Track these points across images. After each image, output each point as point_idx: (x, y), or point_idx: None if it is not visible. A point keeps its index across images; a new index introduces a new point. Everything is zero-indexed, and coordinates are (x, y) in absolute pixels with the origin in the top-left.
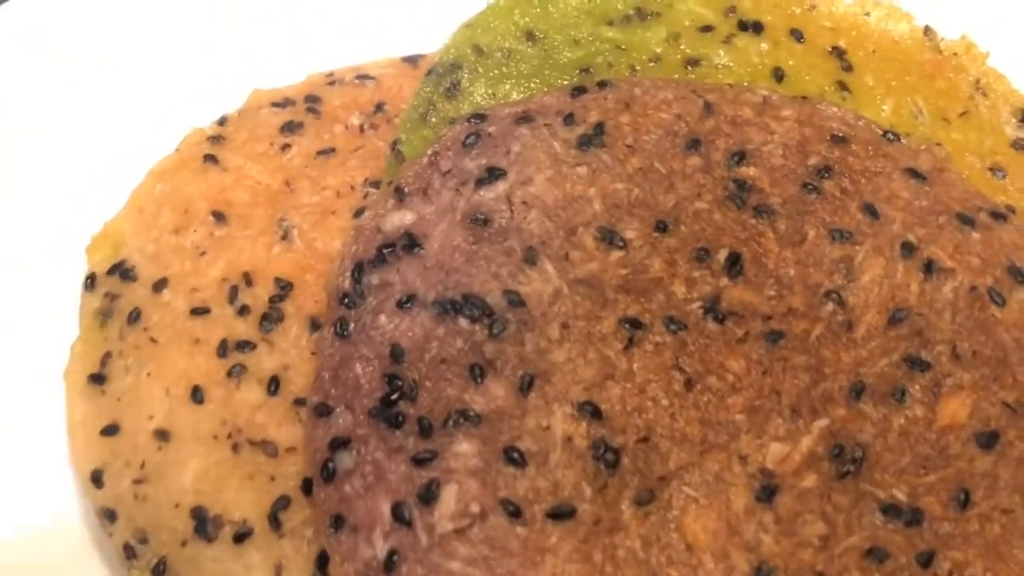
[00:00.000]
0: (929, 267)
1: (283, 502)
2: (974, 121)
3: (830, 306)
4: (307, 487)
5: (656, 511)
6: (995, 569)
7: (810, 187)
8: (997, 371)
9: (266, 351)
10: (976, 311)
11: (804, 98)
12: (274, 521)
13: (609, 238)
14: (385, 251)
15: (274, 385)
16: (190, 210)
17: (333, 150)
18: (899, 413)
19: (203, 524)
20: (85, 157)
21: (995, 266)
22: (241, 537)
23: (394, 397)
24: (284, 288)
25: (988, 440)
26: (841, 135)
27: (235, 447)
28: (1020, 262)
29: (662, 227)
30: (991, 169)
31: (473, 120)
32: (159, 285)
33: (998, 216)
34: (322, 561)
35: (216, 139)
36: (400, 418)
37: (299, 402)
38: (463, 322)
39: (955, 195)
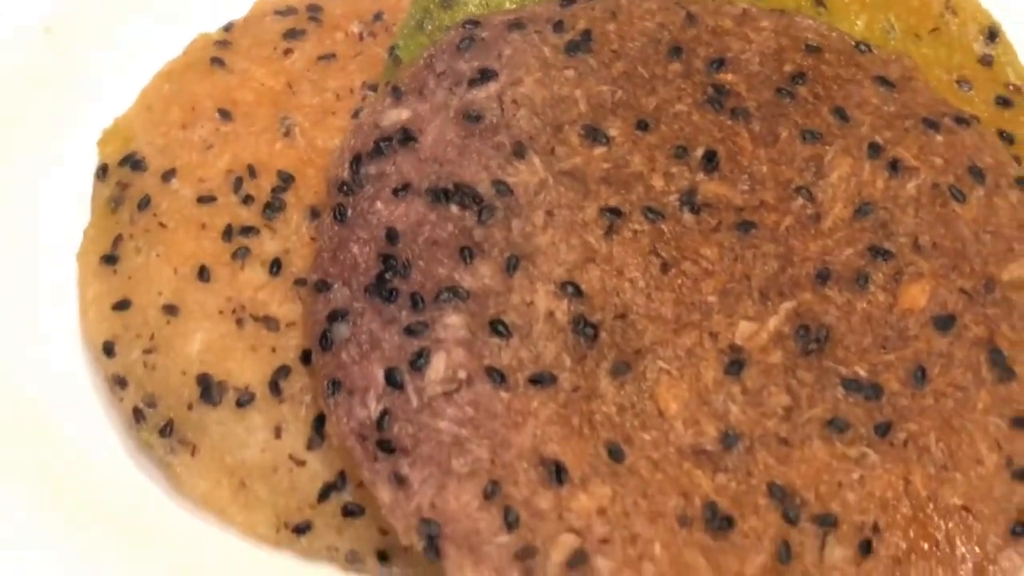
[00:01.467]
0: (894, 166)
1: (283, 371)
2: (943, 38)
3: (799, 200)
4: (306, 358)
5: (631, 381)
6: (947, 440)
7: (784, 92)
8: (956, 261)
9: (268, 236)
10: (938, 206)
11: (781, 11)
12: (275, 388)
13: (593, 135)
14: (382, 144)
15: (276, 267)
16: (197, 108)
17: (333, 56)
18: (862, 297)
19: (208, 390)
20: (98, 61)
21: (957, 166)
22: (244, 402)
23: (388, 275)
24: (286, 180)
25: (945, 323)
26: (815, 45)
27: (239, 322)
28: (981, 162)
29: (643, 126)
30: (958, 82)
31: (467, 26)
32: (168, 175)
33: (962, 121)
34: (318, 423)
35: (222, 44)
36: (394, 293)
37: (299, 282)
38: (454, 208)
39: (921, 102)
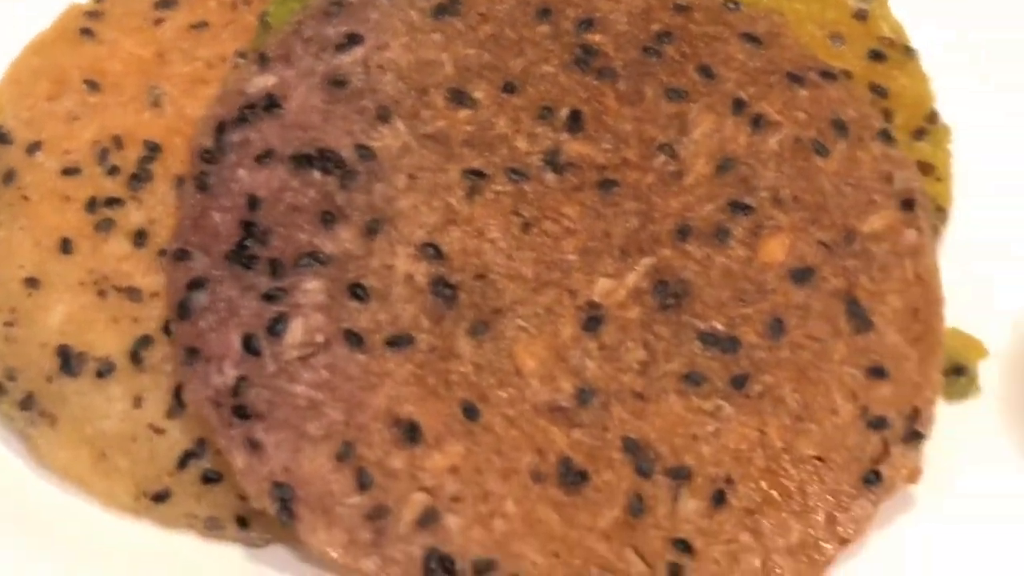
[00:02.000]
0: (757, 121)
1: (145, 341)
2: None
3: (662, 157)
4: (168, 328)
5: (489, 340)
6: (803, 391)
7: (651, 51)
8: (816, 214)
9: (134, 207)
10: (799, 160)
11: None
12: (135, 358)
13: (458, 98)
14: (247, 111)
15: (141, 238)
16: (65, 79)
17: (206, 24)
18: (721, 252)
19: (68, 361)
20: None
21: (820, 120)
22: (104, 372)
23: (248, 242)
24: (153, 150)
25: (803, 275)
26: (683, 3)
27: (101, 293)
28: (844, 116)
29: (509, 88)
30: (831, 37)
31: None
32: (33, 148)
33: (827, 75)
34: (179, 392)
35: (92, 14)
36: (253, 260)
37: (163, 253)
38: (317, 174)
39: (788, 57)
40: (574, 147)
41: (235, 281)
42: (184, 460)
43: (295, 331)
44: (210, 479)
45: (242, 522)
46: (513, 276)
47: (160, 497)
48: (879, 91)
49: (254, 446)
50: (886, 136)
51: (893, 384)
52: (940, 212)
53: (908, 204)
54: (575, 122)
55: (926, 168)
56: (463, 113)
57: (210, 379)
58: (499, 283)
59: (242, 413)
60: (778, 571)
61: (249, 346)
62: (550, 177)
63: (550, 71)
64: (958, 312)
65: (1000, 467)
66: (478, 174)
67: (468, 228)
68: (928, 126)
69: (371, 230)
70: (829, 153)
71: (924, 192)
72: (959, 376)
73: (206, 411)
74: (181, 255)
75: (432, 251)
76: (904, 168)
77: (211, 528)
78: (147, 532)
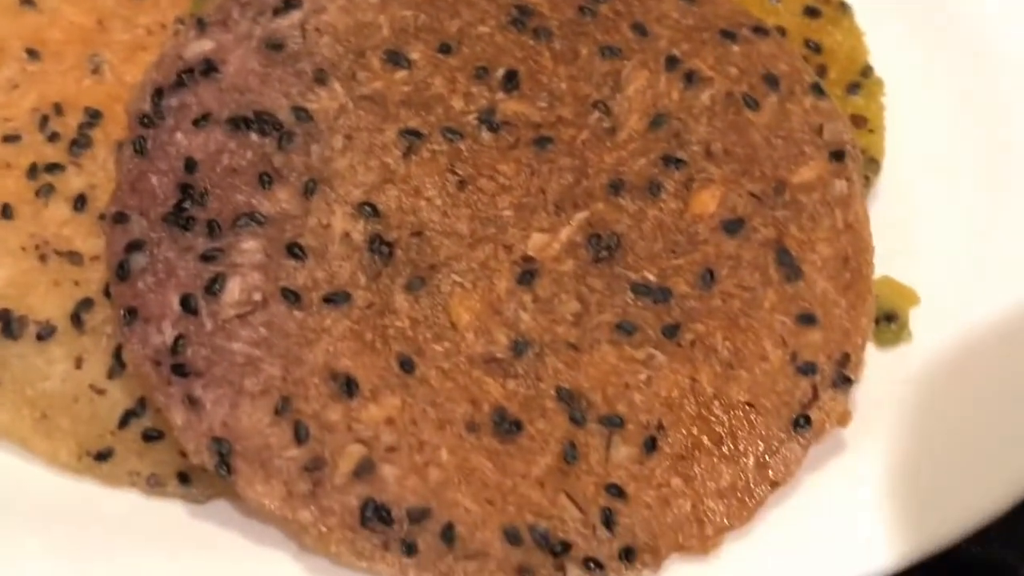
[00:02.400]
0: (690, 77)
1: (86, 304)
2: None
3: (596, 114)
4: (108, 290)
5: (425, 295)
6: (733, 338)
7: (586, 10)
8: (746, 166)
9: (75, 172)
10: (731, 114)
11: None
12: (76, 320)
13: (395, 59)
14: (184, 76)
15: (81, 202)
16: (5, 48)
17: None
18: (654, 205)
19: (8, 325)
20: None
21: (752, 74)
22: (44, 335)
23: (186, 204)
24: (94, 117)
25: (734, 226)
26: None
27: (42, 257)
28: (776, 70)
29: (446, 49)
30: None
31: None
32: None
33: (759, 31)
34: (119, 353)
35: None
36: (191, 222)
37: (104, 217)
38: (254, 136)
39: (721, 14)
40: (510, 106)
41: (173, 242)
42: (125, 419)
43: (232, 290)
44: (151, 437)
45: (183, 478)
46: (449, 233)
47: (102, 456)
48: (813, 47)
49: (192, 403)
50: (817, 89)
51: (823, 330)
52: (873, 163)
53: (838, 155)
54: (511, 81)
55: (859, 121)
56: (399, 74)
57: (149, 339)
58: (435, 240)
59: (181, 371)
60: (709, 514)
61: (187, 306)
62: (486, 136)
63: (486, 31)
64: (890, 261)
65: (928, 411)
66: (414, 134)
67: (405, 187)
68: (862, 80)
69: (308, 190)
70: (760, 107)
71: (855, 143)
72: (890, 323)
73: (145, 370)
74: (119, 218)
75: (369, 210)
76: (834, 120)
77: (153, 485)
78: (90, 490)
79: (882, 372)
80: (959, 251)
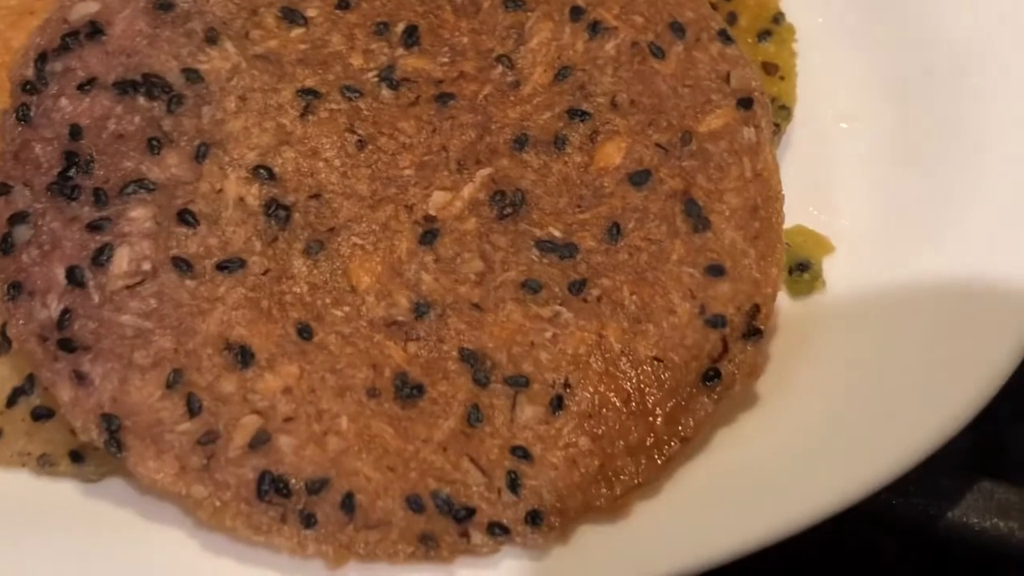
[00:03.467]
0: (595, 27)
1: None
2: None
3: (499, 68)
4: None
5: (324, 259)
6: (640, 292)
7: None
8: (652, 117)
9: None
10: (636, 64)
11: None
12: None
13: (290, 16)
14: (68, 39)
15: None
16: None
17: None
18: (558, 160)
19: None
20: None
21: (657, 23)
22: None
23: (71, 172)
24: None
25: (640, 178)
26: None
27: None
28: (682, 18)
29: (344, 5)
30: None
31: None
32: None
33: None
34: (4, 329)
35: None
36: (76, 190)
37: None
38: (141, 100)
39: None
40: (410, 62)
41: (58, 213)
42: (13, 397)
43: (120, 260)
44: (40, 415)
45: (76, 457)
46: (348, 194)
47: None
48: None
49: (80, 378)
50: (724, 36)
51: (732, 282)
52: (784, 111)
53: (746, 103)
54: (411, 37)
55: (770, 68)
56: (296, 32)
57: (34, 314)
58: (334, 202)
59: (67, 346)
60: (618, 473)
61: (73, 278)
62: (386, 93)
63: None
64: (803, 210)
65: (842, 361)
66: (312, 93)
67: (302, 148)
68: (773, 27)
69: (200, 154)
70: (666, 55)
71: (763, 90)
72: (803, 272)
73: (31, 346)
74: (2, 189)
75: (264, 173)
76: (742, 67)
77: (44, 465)
78: None
79: (795, 322)
80: (873, 198)
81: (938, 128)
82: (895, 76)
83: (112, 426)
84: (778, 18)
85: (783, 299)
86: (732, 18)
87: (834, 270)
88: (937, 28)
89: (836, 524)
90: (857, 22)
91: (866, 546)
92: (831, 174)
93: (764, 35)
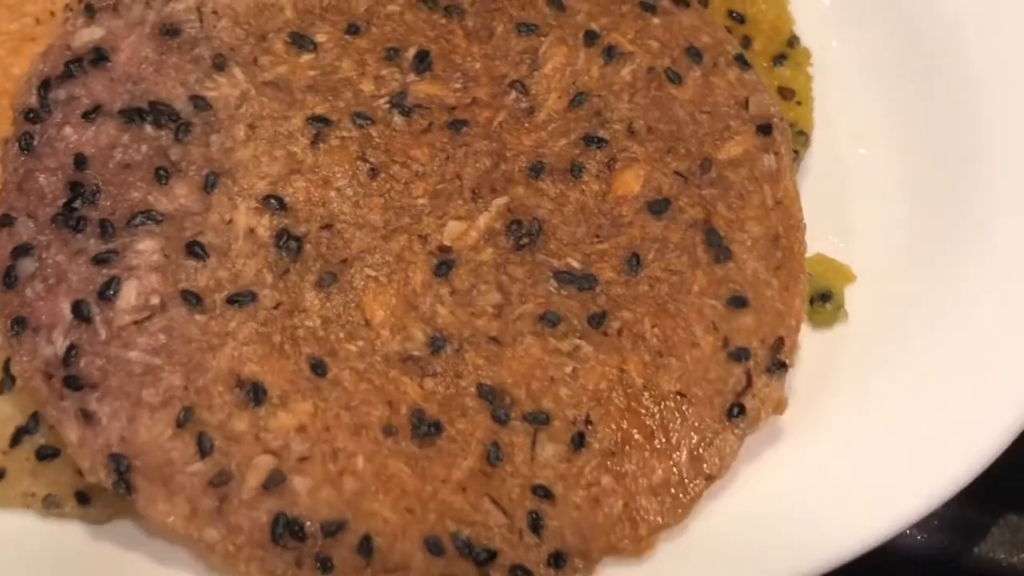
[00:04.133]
0: (610, 52)
1: None
2: None
3: (513, 94)
4: None
5: (337, 292)
6: (662, 324)
7: None
8: (671, 144)
9: None
10: (653, 90)
11: None
12: None
13: (299, 42)
14: (72, 66)
15: None
16: None
17: None
18: (575, 188)
19: None
20: None
21: (674, 48)
22: None
23: (76, 203)
24: None
25: (659, 207)
26: None
27: None
28: (698, 43)
29: (354, 30)
30: None
31: None
32: None
33: (680, 2)
34: (8, 365)
35: None
36: (82, 222)
37: None
38: (148, 128)
39: None
40: (422, 88)
41: (63, 245)
42: (17, 437)
43: (128, 294)
44: (46, 455)
45: (82, 498)
46: (361, 224)
47: None
48: (737, 17)
49: (87, 417)
50: (742, 61)
51: (755, 313)
52: (801, 136)
53: (765, 129)
54: (422, 62)
55: (786, 93)
56: (305, 58)
57: (39, 350)
58: (346, 232)
59: (74, 384)
60: (642, 513)
61: (79, 313)
62: (398, 120)
63: (395, 10)
64: (823, 238)
65: (868, 395)
66: (322, 120)
67: (313, 177)
68: (788, 50)
69: (209, 184)
70: (683, 81)
71: (782, 116)
72: (825, 303)
73: (36, 384)
74: (5, 221)
75: (275, 203)
76: (760, 92)
77: (50, 506)
78: None
79: (818, 355)
80: (894, 225)
81: (959, 151)
82: (914, 99)
83: (121, 467)
84: (792, 41)
85: (804, 330)
86: (746, 42)
87: (856, 300)
88: (956, 49)
89: (860, 561)
90: (873, 44)
91: None
92: (850, 201)
93: (779, 59)
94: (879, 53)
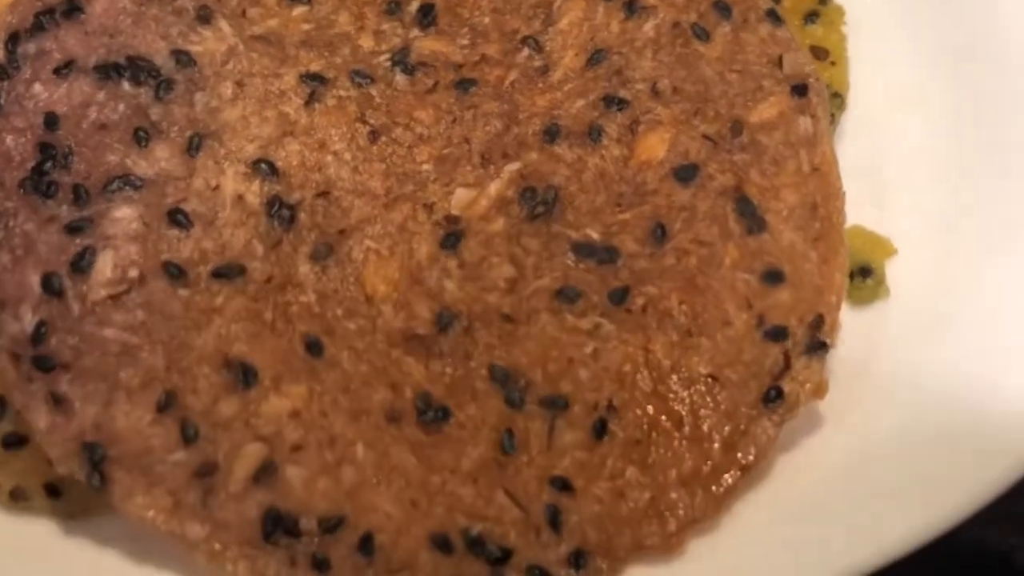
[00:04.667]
0: (631, 7)
1: None
2: None
3: (526, 52)
4: None
5: (335, 265)
6: (691, 301)
7: None
8: (698, 105)
9: None
10: (678, 47)
11: None
12: None
13: None
14: (43, 18)
15: None
16: None
17: None
18: (595, 153)
19: None
20: None
21: (700, 2)
22: None
23: (47, 166)
24: None
25: (687, 173)
26: None
27: None
28: None
29: None
30: None
31: None
32: None
33: None
34: None
35: None
36: (53, 187)
37: None
38: (126, 85)
39: None
40: (426, 44)
41: (32, 213)
42: None
43: (103, 266)
44: (12, 443)
45: (53, 491)
46: (360, 192)
47: None
48: None
49: (58, 401)
50: (774, 16)
51: (792, 289)
52: (837, 98)
53: (801, 89)
54: (426, 16)
55: (819, 52)
56: (298, 10)
57: (5, 327)
58: (344, 200)
59: (44, 364)
60: (672, 507)
61: (49, 286)
62: (400, 79)
63: None
64: (860, 208)
65: (913, 377)
66: (317, 78)
67: (307, 140)
68: (820, 7)
69: (193, 147)
70: (711, 37)
71: (818, 75)
72: (865, 278)
73: (2, 364)
74: None
75: (266, 167)
76: (795, 50)
77: (17, 499)
78: None
79: (857, 334)
80: (936, 194)
81: (1002, 112)
82: (953, 58)
83: (95, 456)
84: None
85: (843, 308)
86: None
87: (897, 275)
88: (999, 4)
89: (911, 560)
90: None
91: None
92: (888, 168)
93: (811, 17)
94: (917, 8)
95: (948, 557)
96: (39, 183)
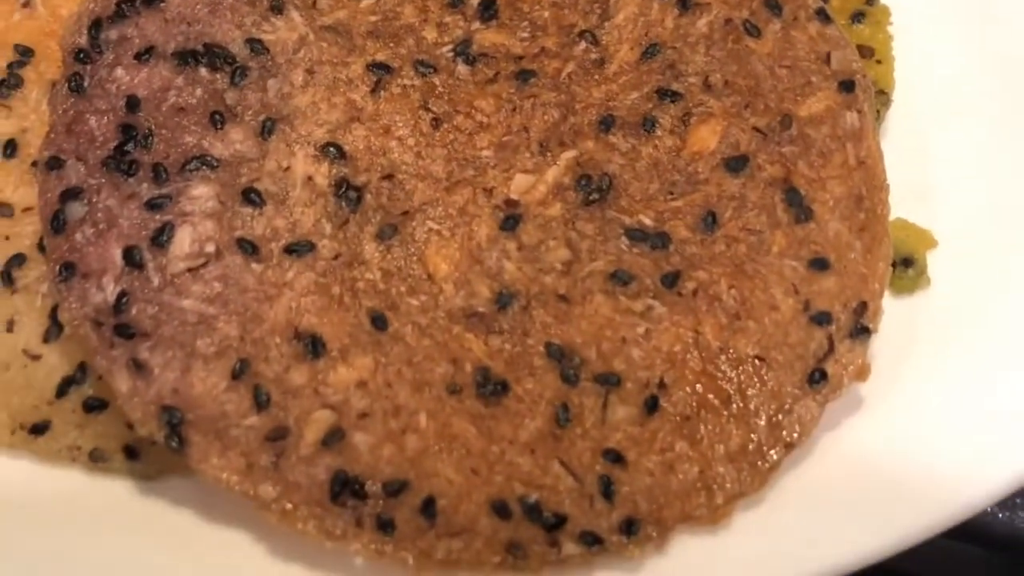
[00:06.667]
0: (685, 3)
1: (17, 260)
2: None
3: (583, 45)
4: (42, 244)
5: (398, 245)
6: (740, 286)
7: None
8: (749, 99)
9: (3, 116)
10: (730, 43)
11: None
12: (7, 278)
13: None
14: (124, 6)
15: (11, 148)
16: None
17: None
18: (648, 142)
19: None
20: None
21: None
22: None
23: (128, 146)
24: (24, 54)
25: (737, 164)
26: None
27: None
28: None
29: None
30: None
31: None
32: None
33: None
34: (56, 313)
35: None
36: (134, 166)
37: (37, 163)
38: (203, 71)
39: None
40: (487, 36)
41: (114, 189)
42: (64, 387)
43: (182, 241)
44: (93, 407)
45: (131, 453)
46: (423, 176)
47: (39, 429)
48: None
49: (139, 367)
50: (823, 15)
51: (837, 276)
52: (882, 96)
53: (848, 85)
54: (488, 10)
55: (865, 51)
56: (366, 2)
57: (89, 296)
58: (408, 183)
59: (125, 332)
60: (719, 481)
61: (131, 259)
62: (462, 69)
63: None
64: (903, 201)
65: (952, 363)
66: (383, 67)
67: (373, 125)
68: (866, 8)
69: (266, 130)
70: (762, 34)
71: (865, 72)
72: (907, 268)
73: (85, 331)
74: (54, 163)
75: (334, 151)
76: (843, 47)
77: (96, 460)
78: (26, 468)
79: (898, 322)
80: (977, 189)
81: None
82: (997, 57)
83: (173, 419)
84: None
85: (885, 296)
86: None
87: (937, 266)
88: None
89: (941, 539)
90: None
91: (973, 563)
92: (931, 163)
93: (858, 16)
94: (962, 9)
95: (974, 536)
96: (121, 162)
